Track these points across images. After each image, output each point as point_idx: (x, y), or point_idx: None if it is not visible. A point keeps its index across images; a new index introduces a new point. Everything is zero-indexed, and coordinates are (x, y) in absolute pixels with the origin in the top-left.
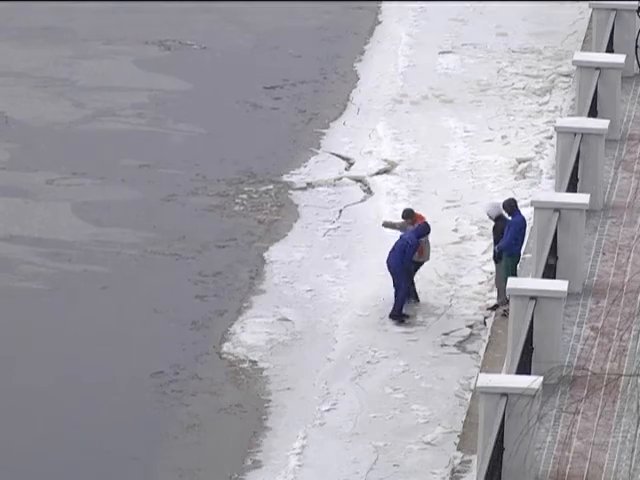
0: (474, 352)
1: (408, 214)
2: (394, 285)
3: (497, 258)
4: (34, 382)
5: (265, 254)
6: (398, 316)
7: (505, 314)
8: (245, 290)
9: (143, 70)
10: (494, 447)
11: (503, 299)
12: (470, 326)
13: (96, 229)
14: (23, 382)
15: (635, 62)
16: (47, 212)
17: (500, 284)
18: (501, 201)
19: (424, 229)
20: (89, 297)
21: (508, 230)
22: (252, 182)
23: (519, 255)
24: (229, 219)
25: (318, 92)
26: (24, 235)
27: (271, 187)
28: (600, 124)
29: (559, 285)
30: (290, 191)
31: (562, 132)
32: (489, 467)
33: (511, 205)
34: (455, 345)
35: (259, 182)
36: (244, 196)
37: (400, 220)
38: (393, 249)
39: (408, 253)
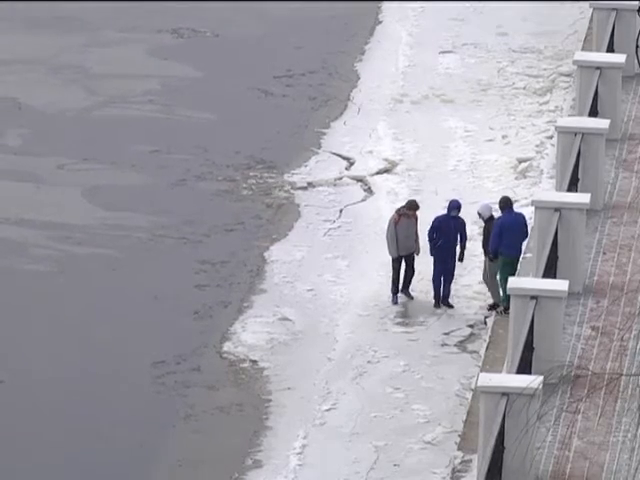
0: (474, 352)
1: (414, 206)
2: (438, 271)
3: (491, 257)
4: (36, 366)
5: (266, 254)
6: (447, 301)
7: (500, 313)
8: (246, 289)
9: (155, 58)
10: (494, 446)
11: (499, 298)
12: (471, 326)
13: (106, 213)
14: (25, 366)
15: (635, 62)
16: (58, 196)
17: (491, 283)
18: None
19: (452, 204)
20: (97, 280)
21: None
22: (260, 167)
23: (510, 255)
24: (237, 203)
25: (324, 85)
26: (35, 219)
27: (278, 172)
28: (601, 124)
29: (560, 285)
30: (291, 190)
31: (563, 132)
32: (489, 467)
33: (503, 202)
34: (455, 345)
35: (268, 167)
36: (252, 181)
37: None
38: (446, 235)
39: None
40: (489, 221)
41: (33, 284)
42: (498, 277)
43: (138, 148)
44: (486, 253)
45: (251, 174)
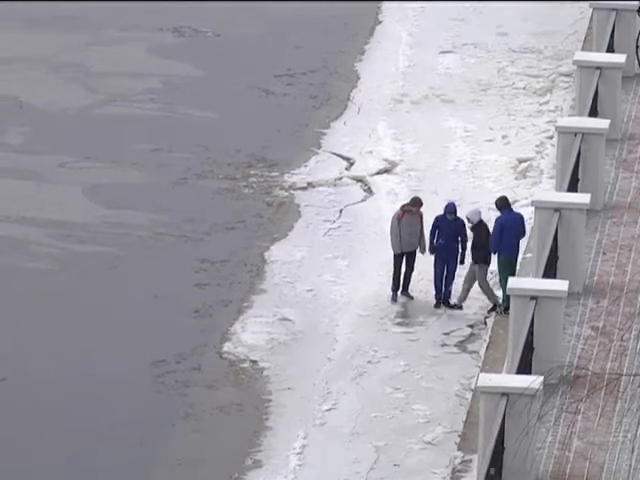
0: (474, 352)
1: (418, 202)
2: (441, 273)
3: (475, 260)
4: (36, 364)
5: (266, 254)
6: (448, 301)
7: (500, 313)
8: (246, 289)
9: (157, 56)
10: (494, 447)
11: (495, 299)
12: (471, 326)
13: (107, 211)
14: (25, 364)
15: (635, 62)
16: (59, 195)
17: (484, 287)
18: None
19: (448, 208)
20: (98, 278)
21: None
22: (261, 166)
23: (509, 255)
24: (238, 202)
25: (324, 84)
26: (36, 217)
27: (279, 171)
28: (601, 124)
29: (560, 285)
30: (291, 191)
31: (563, 132)
32: (489, 467)
33: (503, 202)
34: (456, 345)
35: (269, 166)
36: (253, 179)
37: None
38: (446, 236)
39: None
40: (477, 226)
41: (34, 282)
42: (497, 278)
43: (139, 146)
44: (474, 257)
45: (252, 172)
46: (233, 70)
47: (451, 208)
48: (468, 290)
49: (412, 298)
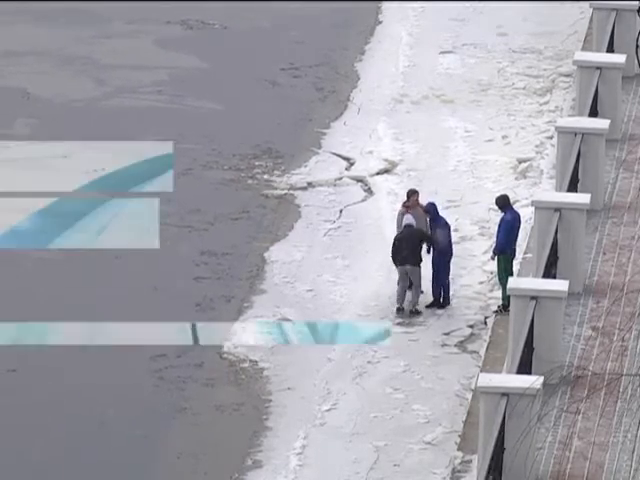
0: (475, 352)
1: (411, 192)
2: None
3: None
4: (38, 356)
5: (266, 254)
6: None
7: (500, 312)
8: (246, 289)
9: (164, 49)
10: (494, 447)
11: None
12: (471, 326)
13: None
14: (29, 357)
15: (635, 62)
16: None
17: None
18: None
19: (425, 207)
20: (102, 268)
21: (499, 228)
22: (266, 157)
23: (512, 254)
24: (243, 193)
25: (328, 79)
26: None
27: (283, 162)
28: (601, 124)
29: (560, 285)
30: (291, 191)
31: (563, 132)
32: (489, 467)
33: (505, 201)
34: (456, 345)
35: (273, 157)
36: (258, 170)
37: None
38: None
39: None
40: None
41: (37, 272)
42: (497, 277)
43: (146, 138)
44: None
45: (257, 164)
46: (240, 62)
47: (428, 207)
48: (412, 290)
49: (422, 292)
